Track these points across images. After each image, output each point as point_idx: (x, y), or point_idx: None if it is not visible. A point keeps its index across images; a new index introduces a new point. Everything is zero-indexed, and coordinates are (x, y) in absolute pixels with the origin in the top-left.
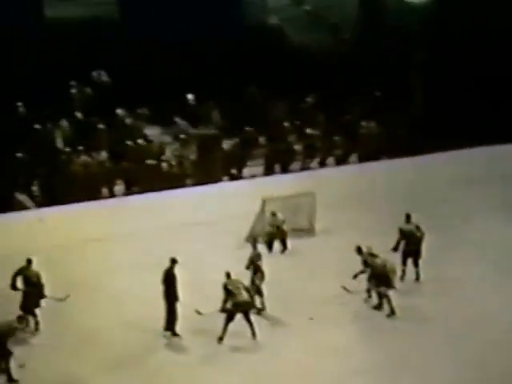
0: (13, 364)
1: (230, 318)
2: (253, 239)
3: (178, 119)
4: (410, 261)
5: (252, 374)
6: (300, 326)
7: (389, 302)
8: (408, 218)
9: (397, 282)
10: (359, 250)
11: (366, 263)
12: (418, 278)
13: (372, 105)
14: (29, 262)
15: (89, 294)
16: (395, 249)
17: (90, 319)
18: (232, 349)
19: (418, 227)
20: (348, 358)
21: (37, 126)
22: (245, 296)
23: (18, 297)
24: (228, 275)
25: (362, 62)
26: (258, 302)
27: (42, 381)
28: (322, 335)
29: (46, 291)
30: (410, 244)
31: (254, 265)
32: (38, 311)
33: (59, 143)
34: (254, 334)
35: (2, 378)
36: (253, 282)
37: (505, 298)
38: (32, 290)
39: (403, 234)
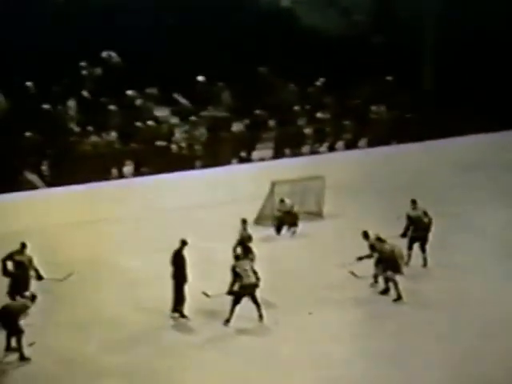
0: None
1: (236, 301)
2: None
3: (179, 97)
4: (416, 246)
5: (258, 357)
6: (306, 308)
7: (396, 286)
8: (414, 203)
9: (403, 267)
10: (366, 235)
11: (372, 248)
12: (425, 264)
13: (382, 89)
14: (23, 245)
15: (97, 273)
16: (404, 235)
17: (98, 298)
18: (238, 331)
19: (425, 213)
20: (353, 342)
21: (46, 106)
22: (252, 278)
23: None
24: (237, 257)
25: (374, 45)
26: None
27: (49, 359)
28: (328, 319)
29: (54, 270)
30: (418, 230)
31: (245, 246)
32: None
33: (69, 123)
34: (260, 316)
35: (13, 356)
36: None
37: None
38: (22, 274)
39: (411, 220)
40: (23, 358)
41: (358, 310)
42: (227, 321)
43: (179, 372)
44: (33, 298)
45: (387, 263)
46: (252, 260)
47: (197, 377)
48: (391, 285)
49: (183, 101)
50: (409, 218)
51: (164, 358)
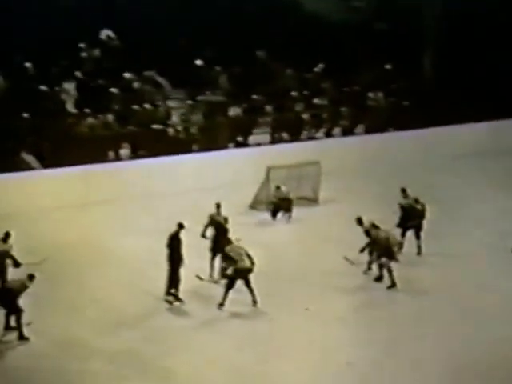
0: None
1: (230, 285)
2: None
3: (159, 78)
4: (411, 234)
5: (251, 341)
6: (300, 294)
7: (390, 274)
8: (404, 192)
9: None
10: (359, 221)
11: (367, 234)
12: (419, 252)
13: (381, 76)
14: (6, 235)
15: (92, 255)
16: (399, 225)
17: (93, 280)
18: (232, 315)
19: (416, 200)
20: (346, 328)
21: (44, 87)
22: (247, 263)
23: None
24: (230, 242)
25: (374, 32)
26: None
27: (44, 339)
28: (322, 304)
29: (49, 251)
30: (412, 218)
31: (221, 229)
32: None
33: (67, 105)
34: (254, 301)
35: (12, 335)
36: (214, 249)
37: (506, 270)
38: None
39: (404, 209)
40: (22, 338)
41: (352, 297)
42: (221, 304)
43: (171, 355)
44: (31, 277)
45: (382, 250)
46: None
47: (189, 360)
48: (384, 271)
49: (164, 82)
50: (401, 207)
51: (156, 341)
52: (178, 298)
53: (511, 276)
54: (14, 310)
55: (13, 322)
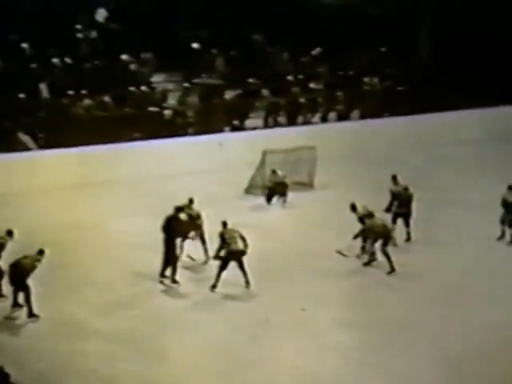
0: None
1: (223, 266)
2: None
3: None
4: (400, 221)
5: (245, 323)
6: (294, 277)
7: (389, 259)
8: (394, 179)
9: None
10: (353, 208)
11: (362, 221)
12: (409, 239)
13: (376, 60)
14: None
15: (88, 236)
16: (388, 209)
17: (89, 261)
18: (226, 297)
19: (406, 188)
20: (340, 311)
21: (41, 68)
22: (240, 245)
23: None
24: (224, 224)
25: (371, 16)
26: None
27: (40, 320)
28: (315, 288)
29: (45, 232)
30: (401, 205)
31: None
32: None
33: (63, 86)
34: (247, 282)
35: (21, 312)
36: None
37: (496, 256)
38: None
39: (394, 195)
40: (32, 315)
41: (345, 280)
42: (213, 286)
43: (166, 336)
44: (41, 252)
45: (379, 237)
46: (197, 237)
47: (182, 341)
48: (381, 258)
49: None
50: (392, 193)
51: (152, 322)
52: (174, 281)
53: (498, 263)
54: (23, 288)
55: (21, 300)
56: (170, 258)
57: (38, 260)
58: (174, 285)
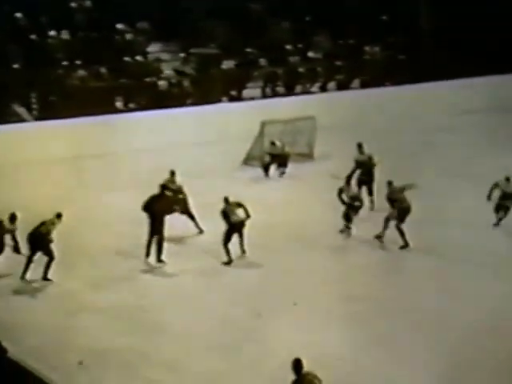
0: None
1: (227, 239)
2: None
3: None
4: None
5: (243, 295)
6: (292, 249)
7: (403, 235)
8: (360, 147)
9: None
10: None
11: (390, 200)
12: (372, 208)
13: (377, 28)
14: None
15: (80, 210)
16: (349, 177)
17: (81, 236)
18: (224, 269)
19: (370, 158)
20: (337, 284)
21: (35, 38)
22: (241, 215)
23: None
24: (226, 200)
25: None
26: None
27: (36, 293)
28: (314, 261)
29: (36, 205)
30: (364, 173)
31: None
32: None
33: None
34: (243, 251)
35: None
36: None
37: (491, 230)
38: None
39: (357, 164)
40: (46, 279)
41: (343, 254)
42: (228, 262)
43: (163, 309)
44: (58, 216)
45: (402, 213)
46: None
47: (180, 314)
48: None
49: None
50: (356, 162)
51: (147, 295)
52: (160, 260)
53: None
54: (47, 253)
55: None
56: (157, 238)
57: (53, 224)
58: (159, 264)
